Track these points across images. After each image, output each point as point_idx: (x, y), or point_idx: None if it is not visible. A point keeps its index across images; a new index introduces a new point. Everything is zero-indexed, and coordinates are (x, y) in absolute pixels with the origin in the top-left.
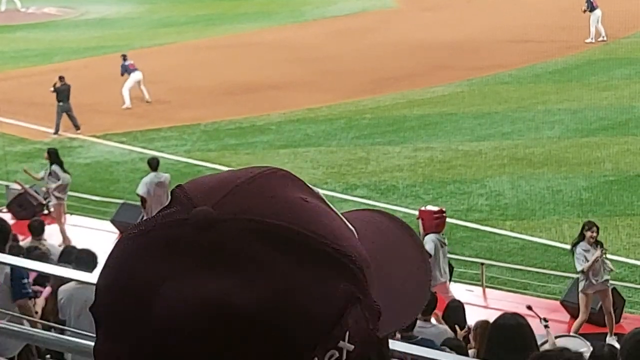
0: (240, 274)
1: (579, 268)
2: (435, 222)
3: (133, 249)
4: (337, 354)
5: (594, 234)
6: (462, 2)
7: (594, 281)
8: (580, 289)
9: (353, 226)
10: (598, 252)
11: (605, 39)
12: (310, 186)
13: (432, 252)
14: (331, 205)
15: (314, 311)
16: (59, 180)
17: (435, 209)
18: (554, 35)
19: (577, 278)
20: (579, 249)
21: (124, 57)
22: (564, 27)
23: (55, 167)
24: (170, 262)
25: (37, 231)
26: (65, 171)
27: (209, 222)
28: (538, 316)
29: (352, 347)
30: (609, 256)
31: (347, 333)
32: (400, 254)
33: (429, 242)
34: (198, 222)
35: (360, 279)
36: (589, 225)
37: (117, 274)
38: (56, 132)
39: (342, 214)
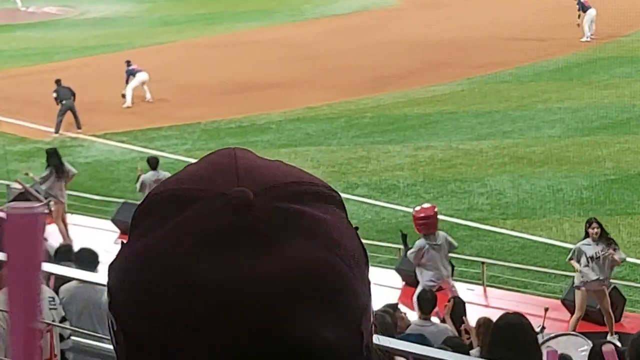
0: (300, 235)
1: (568, 258)
2: (419, 227)
3: (179, 253)
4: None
5: (595, 230)
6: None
7: (588, 279)
8: (574, 284)
9: None
10: (590, 254)
11: (590, 38)
12: None
13: (413, 259)
14: None
15: (361, 254)
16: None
17: (421, 213)
18: (555, 33)
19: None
20: (578, 245)
21: (128, 63)
22: (565, 25)
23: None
24: (233, 249)
25: None
26: (62, 172)
27: (248, 200)
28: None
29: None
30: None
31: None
32: None
33: (415, 246)
34: (239, 204)
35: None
36: (589, 222)
37: (177, 287)
38: (57, 132)
39: None
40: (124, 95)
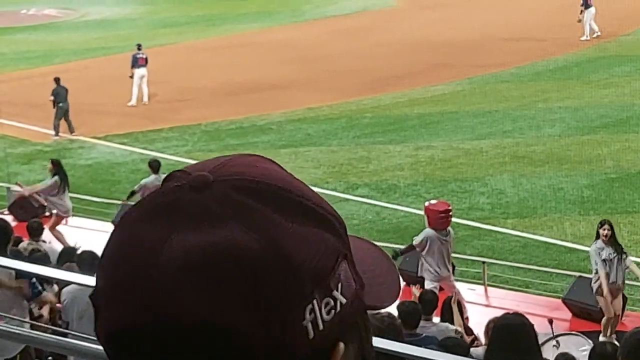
0: (240, 223)
1: (593, 267)
2: (440, 221)
3: (133, 219)
4: (332, 303)
5: (606, 232)
6: (462, 0)
7: (604, 282)
8: (594, 292)
9: None
10: (608, 254)
11: (599, 34)
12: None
13: (417, 242)
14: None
15: (311, 258)
16: (57, 192)
17: (441, 207)
18: (555, 33)
19: (580, 276)
20: (592, 247)
21: (139, 47)
22: (564, 25)
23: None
24: (171, 220)
25: (35, 232)
26: (67, 185)
27: (205, 183)
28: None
29: (345, 300)
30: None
31: (340, 285)
32: (364, 245)
33: (422, 234)
34: (195, 185)
35: (344, 238)
36: (601, 223)
37: (120, 243)
38: (57, 134)
39: None
40: (131, 76)
